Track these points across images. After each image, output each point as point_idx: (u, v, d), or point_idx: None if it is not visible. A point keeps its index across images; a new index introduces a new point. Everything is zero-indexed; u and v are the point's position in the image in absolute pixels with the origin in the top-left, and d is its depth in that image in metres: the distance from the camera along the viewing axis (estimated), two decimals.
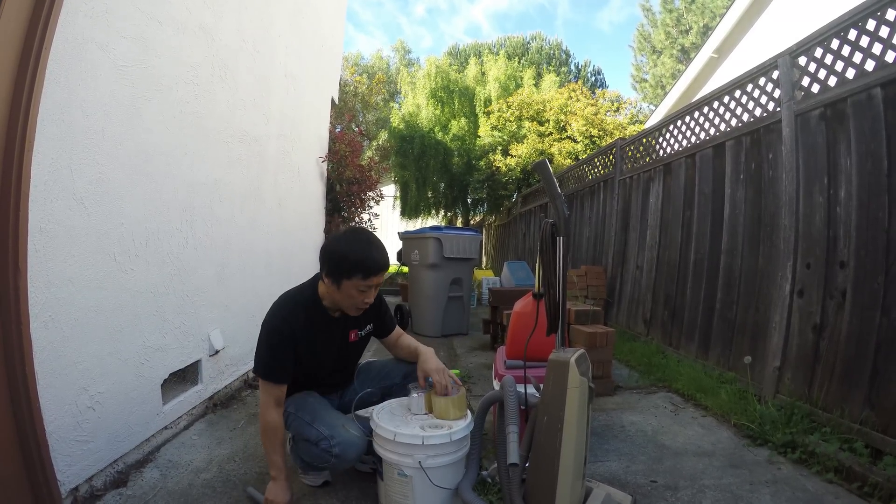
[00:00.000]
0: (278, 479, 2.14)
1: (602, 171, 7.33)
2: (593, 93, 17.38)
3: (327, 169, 6.80)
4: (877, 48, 2.82)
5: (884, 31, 2.77)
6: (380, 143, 20.06)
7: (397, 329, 2.75)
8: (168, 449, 2.81)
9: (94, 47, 2.20)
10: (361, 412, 2.51)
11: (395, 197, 19.14)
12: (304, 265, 5.75)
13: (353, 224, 7.48)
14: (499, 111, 16.06)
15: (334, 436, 2.14)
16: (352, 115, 12.66)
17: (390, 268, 2.47)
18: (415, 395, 2.30)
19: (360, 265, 2.16)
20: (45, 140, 1.94)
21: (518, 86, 18.09)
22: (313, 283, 2.36)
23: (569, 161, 13.16)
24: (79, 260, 2.18)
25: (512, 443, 1.89)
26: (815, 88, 3.30)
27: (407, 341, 2.70)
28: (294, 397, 2.37)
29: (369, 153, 17.76)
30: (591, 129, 13.88)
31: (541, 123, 15.18)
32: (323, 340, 2.35)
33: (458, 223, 19.55)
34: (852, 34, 2.98)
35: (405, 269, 8.90)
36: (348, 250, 2.17)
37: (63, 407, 2.10)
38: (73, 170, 2.12)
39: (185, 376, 3.23)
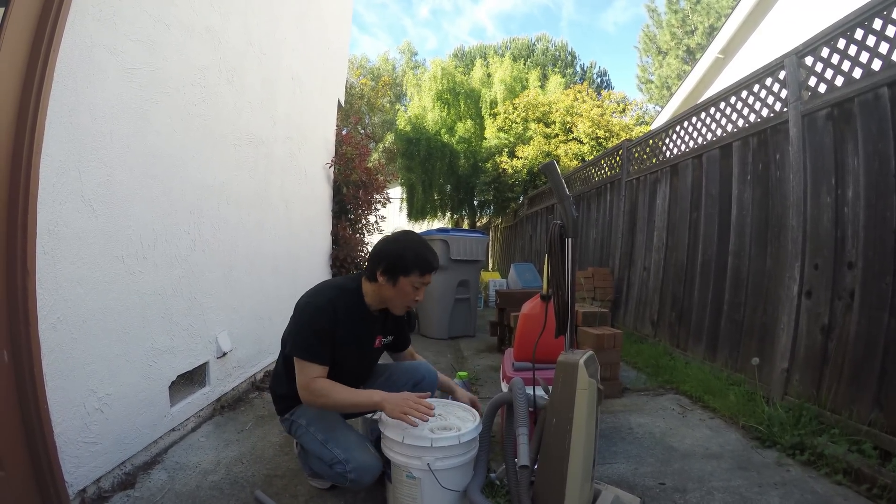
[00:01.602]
0: (384, 398, 2.10)
1: (608, 173, 7.31)
2: (599, 94, 17.38)
3: (334, 172, 6.81)
4: (884, 47, 2.80)
5: (890, 31, 2.75)
6: (386, 145, 20.10)
7: (410, 347, 2.84)
8: (175, 451, 2.82)
9: (101, 50, 2.22)
10: (369, 414, 2.51)
11: (402, 199, 19.18)
12: (311, 268, 5.77)
13: (360, 226, 7.49)
14: (505, 113, 16.09)
15: (349, 460, 2.12)
16: (358, 117, 12.69)
17: None
18: None
19: (420, 263, 2.27)
20: (53, 142, 1.95)
21: (524, 87, 18.12)
22: (356, 277, 2.41)
23: (575, 163, 13.16)
24: (87, 262, 2.19)
25: (522, 445, 1.89)
26: (822, 88, 3.28)
27: (412, 356, 2.84)
28: (304, 408, 2.34)
29: (375, 155, 17.79)
30: (597, 131, 13.90)
31: (547, 125, 15.20)
32: (358, 333, 2.36)
33: (465, 225, 19.57)
34: (859, 34, 2.96)
35: None
36: (407, 249, 2.29)
37: (71, 408, 2.11)
38: (81, 172, 2.13)
39: (192, 378, 3.24)
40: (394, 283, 2.27)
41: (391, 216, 12.20)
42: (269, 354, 4.43)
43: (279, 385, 2.44)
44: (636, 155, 6.44)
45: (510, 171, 14.65)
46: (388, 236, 2.43)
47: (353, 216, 7.34)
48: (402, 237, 2.40)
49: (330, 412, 2.31)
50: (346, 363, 2.34)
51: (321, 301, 2.24)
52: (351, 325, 2.29)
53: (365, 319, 2.38)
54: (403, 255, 2.26)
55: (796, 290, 3.31)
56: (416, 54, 31.80)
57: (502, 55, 24.43)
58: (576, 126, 14.37)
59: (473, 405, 2.41)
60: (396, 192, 18.92)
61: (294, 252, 5.15)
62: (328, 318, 2.20)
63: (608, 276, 6.68)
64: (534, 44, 28.94)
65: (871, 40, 2.89)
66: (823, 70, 3.26)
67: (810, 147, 3.33)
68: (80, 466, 2.15)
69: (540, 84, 18.88)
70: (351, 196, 7.04)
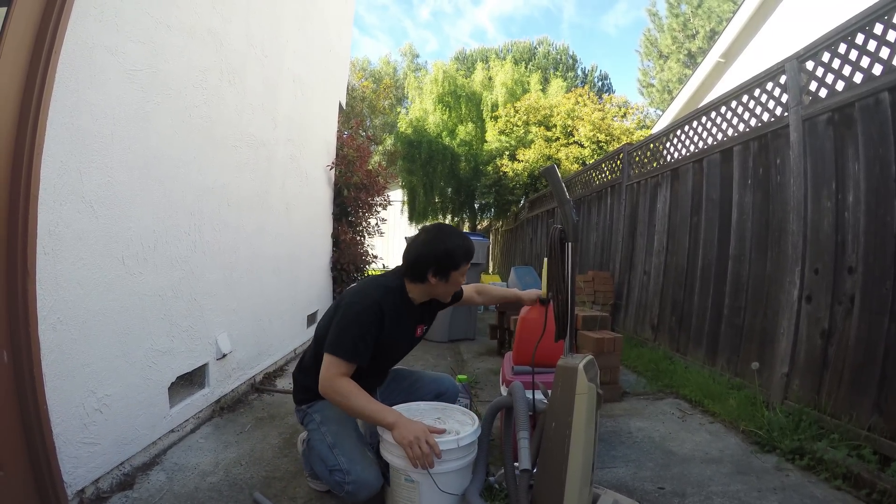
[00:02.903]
0: (398, 421, 2.03)
1: (609, 177, 7.31)
2: (600, 98, 17.37)
3: (335, 174, 6.81)
4: (884, 52, 2.80)
5: (891, 36, 2.75)
6: (386, 147, 20.13)
7: (467, 287, 2.86)
8: (174, 452, 2.81)
9: (103, 51, 2.22)
10: None
11: (403, 202, 19.22)
12: (311, 270, 5.76)
13: (361, 228, 7.48)
14: (506, 116, 16.12)
15: (351, 472, 2.10)
16: (359, 120, 12.70)
17: None
18: None
19: (466, 253, 2.39)
20: (54, 143, 1.96)
21: (525, 91, 18.15)
22: (397, 274, 2.43)
23: (576, 166, 13.16)
24: (87, 263, 2.19)
25: (524, 448, 1.88)
26: (823, 93, 3.28)
27: (470, 296, 2.91)
28: (323, 404, 2.32)
29: (376, 158, 17.81)
30: (598, 135, 13.90)
31: (548, 128, 15.21)
32: (403, 327, 2.38)
33: (466, 228, 19.58)
34: (860, 38, 2.97)
35: None
36: (451, 246, 2.33)
37: (70, 409, 2.11)
38: (81, 173, 2.13)
39: (192, 380, 3.24)
40: (446, 279, 2.34)
41: (392, 219, 12.20)
42: (269, 356, 4.43)
43: (305, 377, 2.43)
44: (637, 159, 6.44)
45: (511, 174, 14.66)
46: (423, 237, 2.41)
47: (353, 218, 7.35)
48: (440, 234, 2.39)
49: (348, 417, 2.30)
50: (387, 353, 2.39)
51: (368, 302, 2.23)
52: (397, 320, 2.31)
53: (409, 313, 2.42)
54: (451, 251, 2.31)
55: (796, 294, 3.31)
56: (417, 56, 31.82)
57: (503, 58, 24.46)
58: (577, 129, 14.38)
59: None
60: (397, 195, 18.96)
61: (294, 254, 5.14)
62: (375, 318, 2.21)
63: (608, 279, 6.68)
64: (535, 47, 28.98)
65: (871, 45, 2.89)
66: (824, 75, 3.26)
67: (811, 152, 3.33)
68: (78, 467, 2.15)
69: (541, 87, 18.93)
70: (352, 198, 7.05)
